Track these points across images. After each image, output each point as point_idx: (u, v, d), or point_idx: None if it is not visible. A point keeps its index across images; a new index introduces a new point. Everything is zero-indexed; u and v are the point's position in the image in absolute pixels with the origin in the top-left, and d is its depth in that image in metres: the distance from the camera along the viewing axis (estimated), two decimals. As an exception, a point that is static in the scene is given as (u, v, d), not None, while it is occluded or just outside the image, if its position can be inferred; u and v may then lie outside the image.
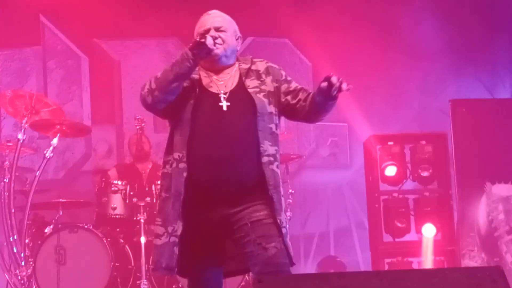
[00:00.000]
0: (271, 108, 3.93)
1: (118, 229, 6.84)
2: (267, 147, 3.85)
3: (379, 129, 7.74)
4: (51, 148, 6.44)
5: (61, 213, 6.81)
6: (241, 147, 3.83)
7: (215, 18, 3.97)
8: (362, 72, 8.17)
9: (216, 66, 3.95)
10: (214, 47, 3.83)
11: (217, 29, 3.92)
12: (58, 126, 6.52)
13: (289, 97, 3.97)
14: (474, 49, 8.68)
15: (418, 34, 8.56)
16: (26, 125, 6.42)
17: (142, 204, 6.63)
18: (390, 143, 7.04)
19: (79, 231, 6.55)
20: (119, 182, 6.79)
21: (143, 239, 6.49)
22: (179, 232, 3.79)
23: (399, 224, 6.88)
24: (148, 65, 8.63)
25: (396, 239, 6.96)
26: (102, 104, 8.75)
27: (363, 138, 7.60)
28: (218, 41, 3.87)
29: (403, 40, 8.56)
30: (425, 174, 6.99)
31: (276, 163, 3.88)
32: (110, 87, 8.78)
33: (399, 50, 8.53)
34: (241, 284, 6.39)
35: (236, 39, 4.01)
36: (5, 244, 6.40)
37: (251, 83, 3.94)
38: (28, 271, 6.31)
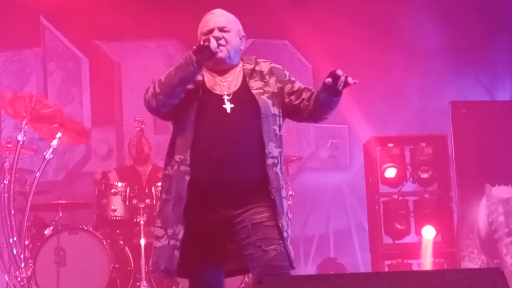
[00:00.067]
0: (275, 110, 3.91)
1: (118, 231, 6.85)
2: (272, 149, 3.84)
3: (379, 130, 7.74)
4: (51, 149, 6.43)
5: (61, 215, 6.82)
6: (245, 149, 3.81)
7: (219, 17, 3.94)
8: (362, 73, 8.10)
9: (220, 66, 3.93)
10: (218, 50, 3.81)
11: (221, 29, 3.89)
12: (58, 127, 6.51)
13: (292, 98, 3.95)
14: (474, 49, 8.67)
15: (418, 35, 8.55)
16: (26, 127, 6.42)
17: (142, 206, 6.63)
18: (390, 145, 7.03)
19: (79, 233, 6.55)
20: (119, 184, 6.79)
21: (143, 241, 6.49)
22: (180, 236, 3.78)
23: (399, 226, 6.88)
24: (148, 66, 8.64)
25: (396, 241, 6.95)
26: (102, 106, 8.75)
27: (363, 139, 7.60)
28: (222, 41, 3.85)
29: (403, 40, 8.55)
30: (425, 176, 6.98)
31: (279, 166, 3.87)
32: (110, 88, 8.78)
33: (399, 50, 8.52)
34: (241, 286, 6.39)
35: (240, 39, 3.98)
36: (4, 245, 6.39)
37: (255, 84, 3.92)
38: (28, 272, 6.30)
